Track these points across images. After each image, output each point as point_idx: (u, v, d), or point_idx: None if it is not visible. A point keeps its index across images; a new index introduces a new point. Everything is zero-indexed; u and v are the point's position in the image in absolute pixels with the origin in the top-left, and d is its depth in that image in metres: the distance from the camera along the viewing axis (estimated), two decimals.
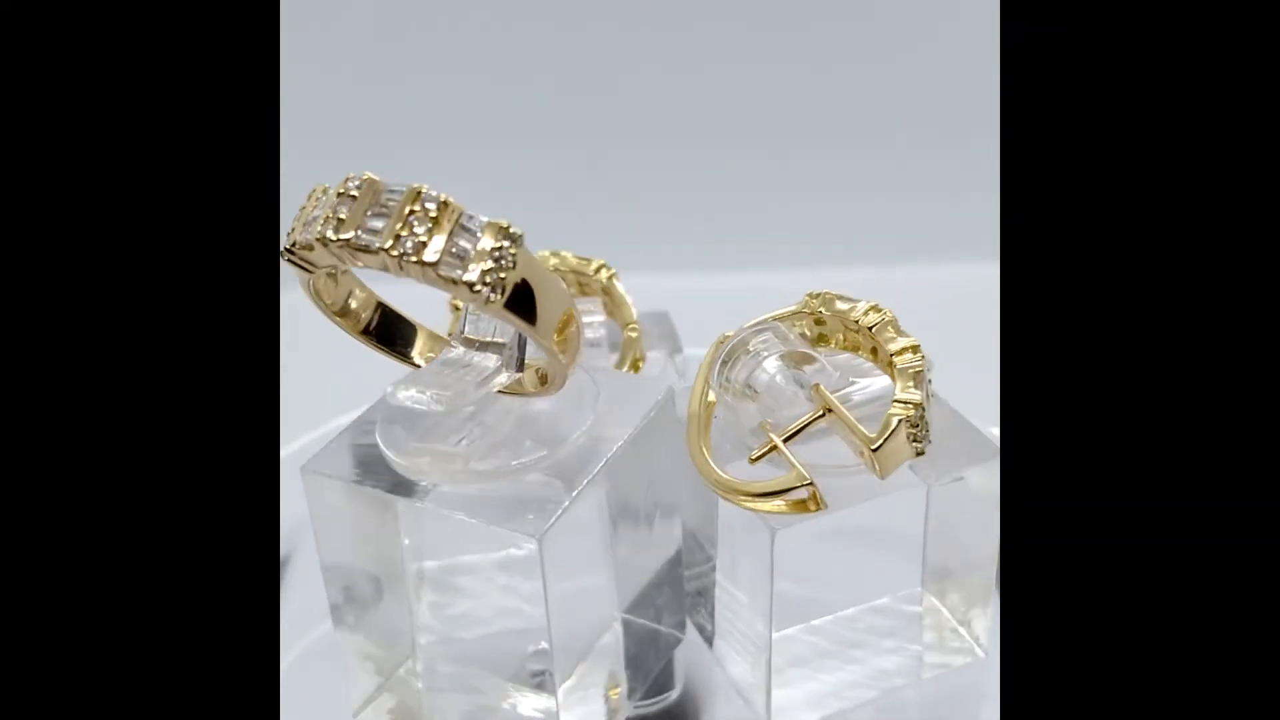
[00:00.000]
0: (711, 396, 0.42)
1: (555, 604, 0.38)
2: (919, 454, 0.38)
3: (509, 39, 0.81)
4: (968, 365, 0.57)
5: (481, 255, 0.33)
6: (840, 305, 0.42)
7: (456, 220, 0.34)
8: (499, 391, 0.40)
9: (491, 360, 0.39)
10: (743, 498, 0.39)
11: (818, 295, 0.43)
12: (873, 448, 0.37)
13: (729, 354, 0.41)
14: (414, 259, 0.33)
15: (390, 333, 0.42)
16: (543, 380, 0.40)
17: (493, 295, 0.33)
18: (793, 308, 0.43)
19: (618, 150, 0.83)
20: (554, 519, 0.37)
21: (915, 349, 0.40)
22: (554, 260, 0.51)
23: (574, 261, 0.51)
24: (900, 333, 0.41)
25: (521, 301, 0.34)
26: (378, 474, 0.39)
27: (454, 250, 0.33)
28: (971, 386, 0.56)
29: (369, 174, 0.34)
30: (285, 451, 0.55)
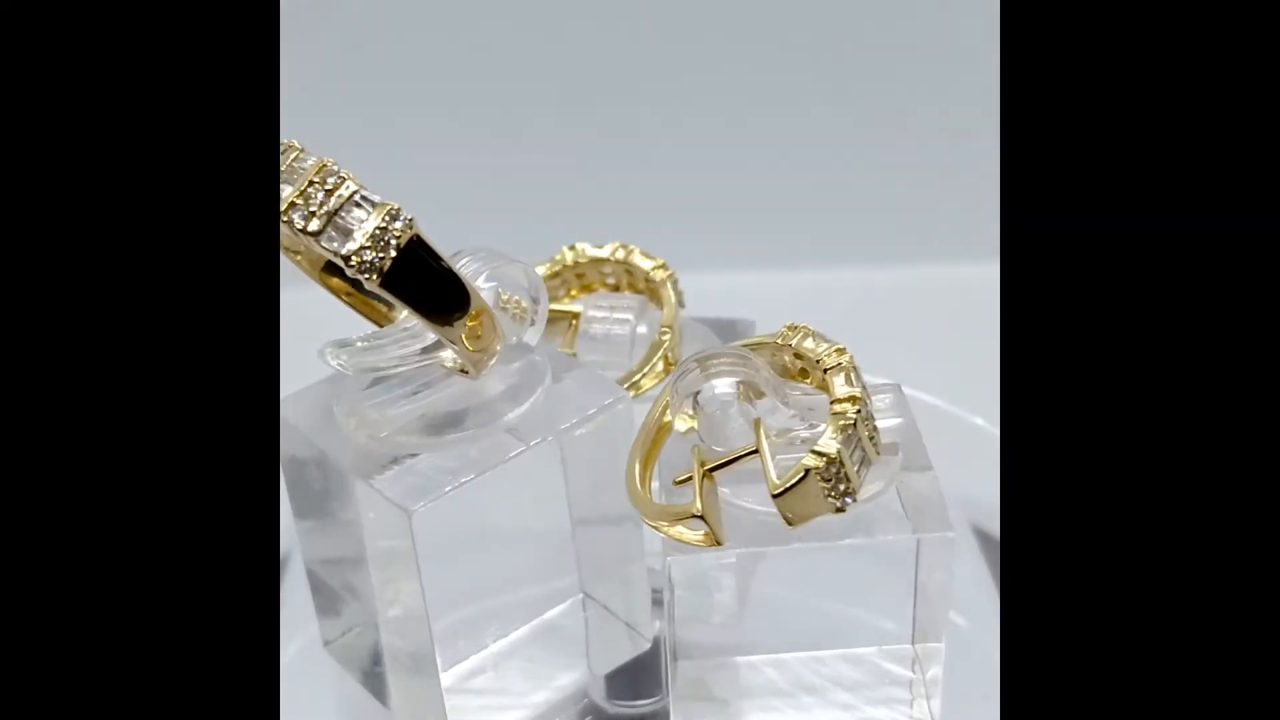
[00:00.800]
0: (670, 416, 0.40)
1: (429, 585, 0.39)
2: (837, 510, 0.36)
3: (514, 35, 0.81)
4: (968, 365, 0.58)
5: (366, 233, 0.36)
6: (808, 344, 0.40)
7: (350, 196, 0.36)
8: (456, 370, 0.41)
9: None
10: (652, 521, 0.38)
11: (795, 329, 0.41)
12: (774, 493, 0.36)
13: (686, 367, 0.40)
14: (300, 226, 0.35)
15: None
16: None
17: (367, 273, 0.36)
18: (769, 337, 0.41)
19: (618, 150, 0.83)
20: (432, 500, 0.38)
21: (855, 400, 0.38)
22: (569, 254, 0.51)
23: (593, 255, 0.51)
24: (852, 382, 0.39)
25: (401, 284, 0.37)
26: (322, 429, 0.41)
27: (340, 224, 0.36)
28: (971, 386, 0.56)
29: (293, 142, 0.37)
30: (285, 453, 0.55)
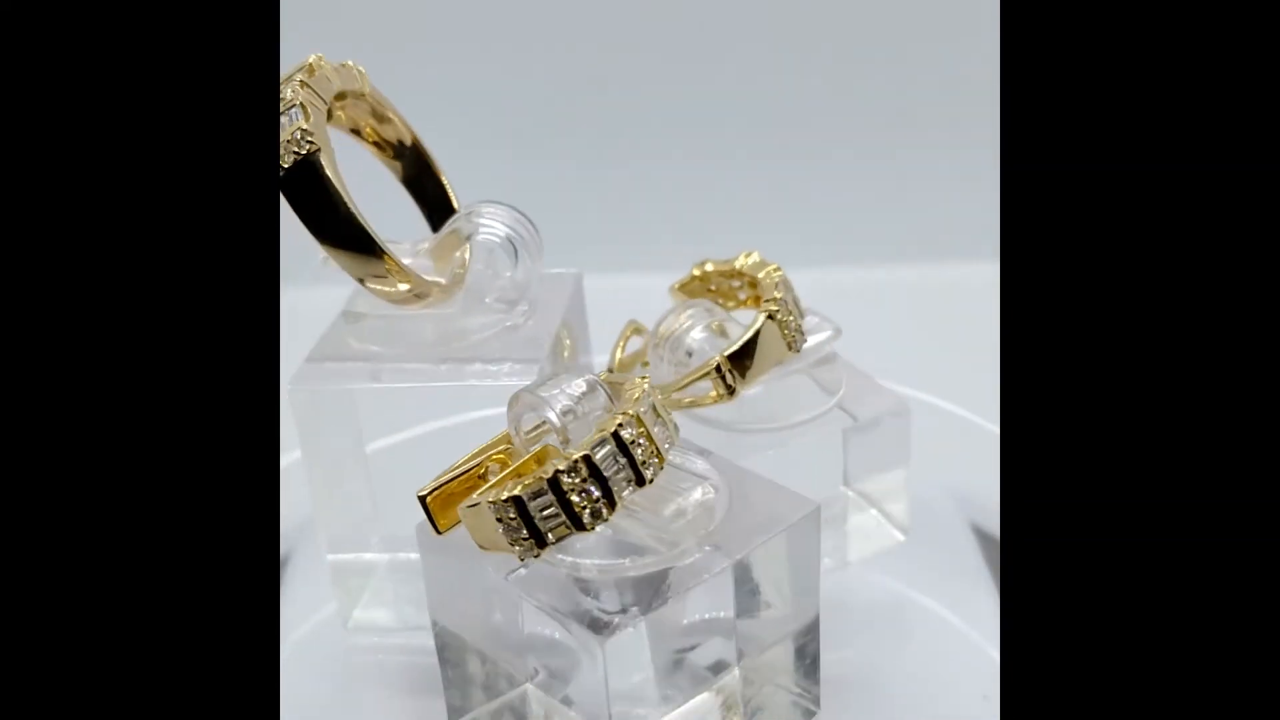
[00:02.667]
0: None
1: None
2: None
3: (510, 35, 0.81)
4: (968, 365, 0.58)
5: (285, 133, 0.42)
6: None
7: (299, 102, 0.42)
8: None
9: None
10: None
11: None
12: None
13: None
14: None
15: (420, 180, 0.51)
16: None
17: (284, 159, 0.41)
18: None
19: (618, 151, 0.83)
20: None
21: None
22: (704, 268, 0.51)
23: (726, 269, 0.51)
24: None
25: (291, 193, 0.42)
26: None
27: (289, 134, 0.42)
28: (971, 386, 0.56)
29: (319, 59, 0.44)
30: (285, 452, 0.55)
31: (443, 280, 0.45)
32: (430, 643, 0.42)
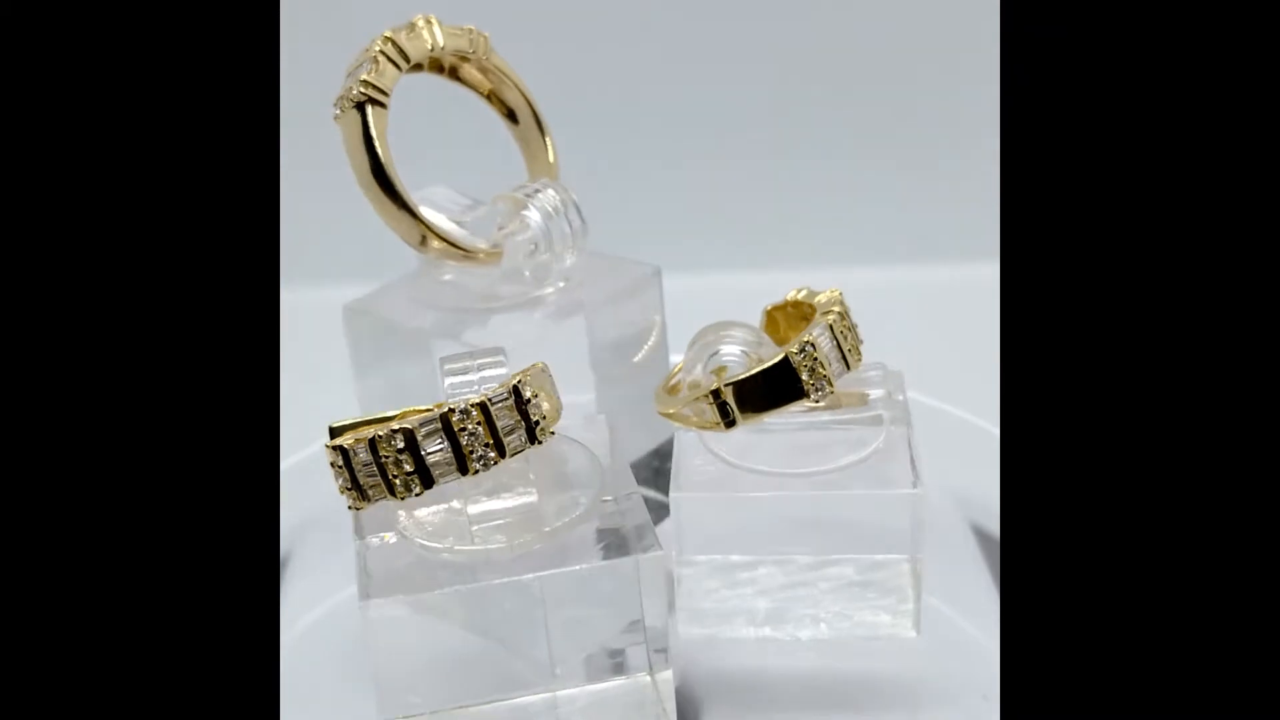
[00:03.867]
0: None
1: None
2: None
3: (507, 33, 0.81)
4: (968, 365, 0.58)
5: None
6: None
7: (375, 54, 0.47)
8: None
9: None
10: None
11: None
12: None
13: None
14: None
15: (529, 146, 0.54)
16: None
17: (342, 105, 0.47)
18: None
19: (619, 151, 0.83)
20: None
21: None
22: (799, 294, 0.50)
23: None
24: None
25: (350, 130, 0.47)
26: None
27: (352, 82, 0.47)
28: (971, 386, 0.56)
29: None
30: (285, 452, 0.55)
31: (485, 245, 0.48)
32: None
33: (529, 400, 0.38)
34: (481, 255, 0.48)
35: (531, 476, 0.39)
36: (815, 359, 0.41)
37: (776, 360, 0.41)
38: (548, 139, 0.54)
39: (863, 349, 0.45)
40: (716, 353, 0.44)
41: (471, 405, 0.37)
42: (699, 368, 0.44)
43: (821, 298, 0.45)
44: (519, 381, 0.38)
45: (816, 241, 0.82)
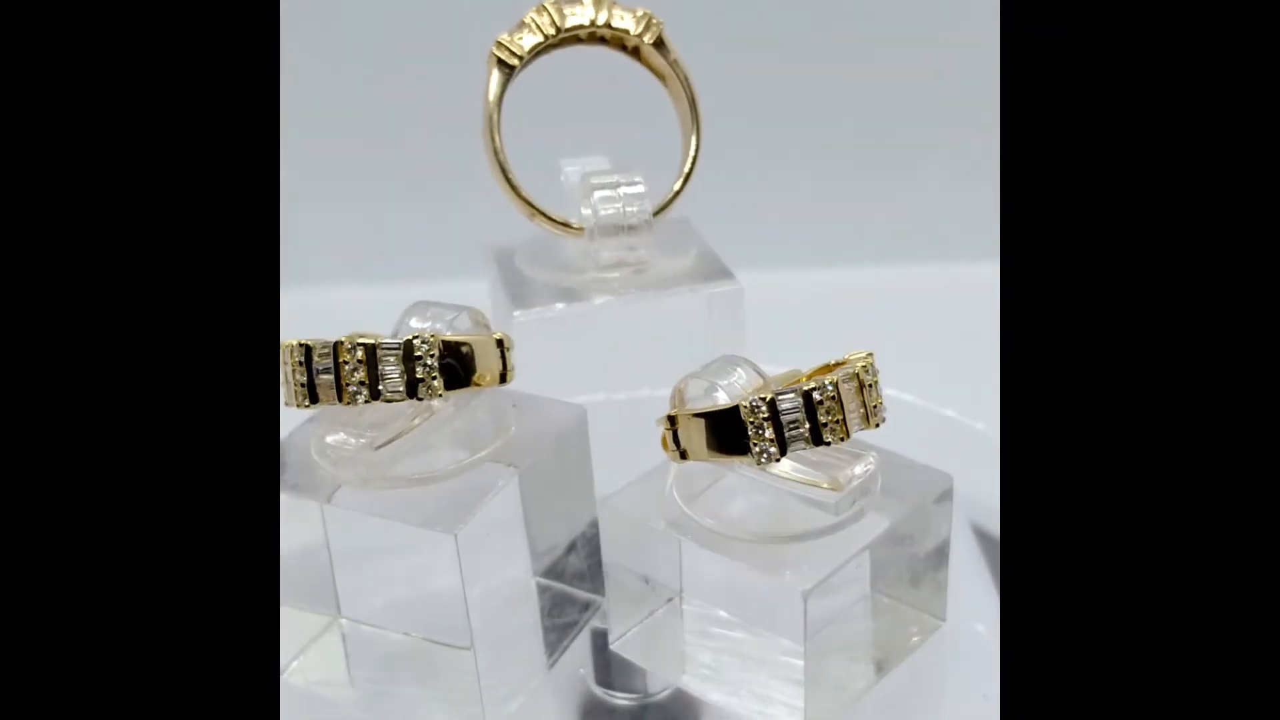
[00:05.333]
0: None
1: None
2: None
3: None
4: (968, 365, 0.58)
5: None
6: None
7: (526, 21, 0.50)
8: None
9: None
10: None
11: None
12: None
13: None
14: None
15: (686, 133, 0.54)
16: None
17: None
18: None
19: (618, 148, 0.83)
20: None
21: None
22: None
23: None
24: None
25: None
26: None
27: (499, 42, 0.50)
28: (971, 386, 0.56)
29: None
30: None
31: (573, 222, 0.51)
32: (429, 646, 0.43)
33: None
34: (571, 228, 0.50)
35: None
36: (771, 421, 0.38)
37: (725, 407, 0.38)
38: (695, 135, 0.54)
39: (865, 426, 0.41)
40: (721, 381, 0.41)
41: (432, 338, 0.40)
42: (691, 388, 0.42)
43: (852, 356, 0.41)
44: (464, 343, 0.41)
45: (816, 241, 0.82)
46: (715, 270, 0.51)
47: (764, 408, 0.38)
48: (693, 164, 0.53)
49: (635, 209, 0.50)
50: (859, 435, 0.40)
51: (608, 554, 0.44)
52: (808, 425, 0.38)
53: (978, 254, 0.76)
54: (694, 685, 0.43)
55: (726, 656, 0.43)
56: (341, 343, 0.40)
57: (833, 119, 0.82)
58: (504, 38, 0.50)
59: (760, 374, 0.41)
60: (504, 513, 0.42)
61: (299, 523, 0.42)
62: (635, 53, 0.53)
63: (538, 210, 0.50)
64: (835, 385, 0.38)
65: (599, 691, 0.46)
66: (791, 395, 0.38)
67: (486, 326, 0.43)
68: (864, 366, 0.39)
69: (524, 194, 0.50)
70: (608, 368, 0.50)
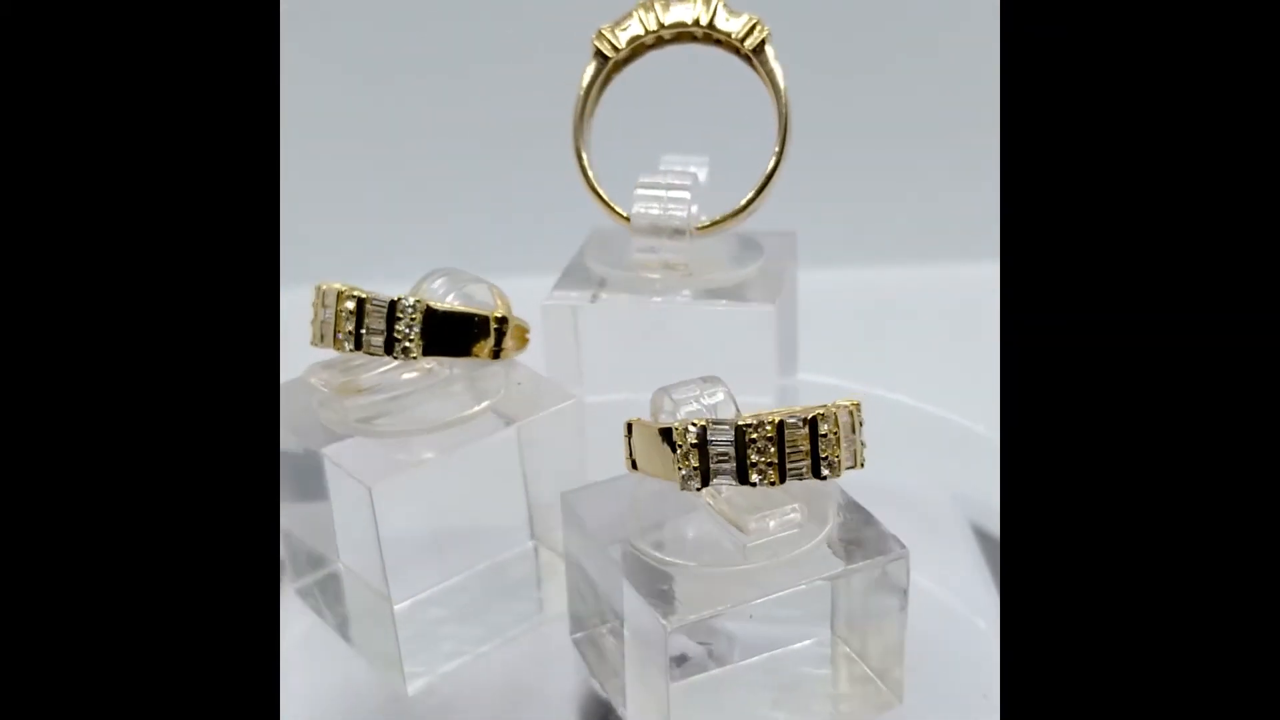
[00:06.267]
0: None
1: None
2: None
3: (504, 33, 0.81)
4: (967, 365, 0.58)
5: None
6: (622, 30, 0.49)
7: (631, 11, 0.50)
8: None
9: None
10: None
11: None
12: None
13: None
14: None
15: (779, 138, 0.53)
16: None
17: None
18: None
19: (618, 148, 0.83)
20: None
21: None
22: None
23: None
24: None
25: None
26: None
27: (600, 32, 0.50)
28: (971, 386, 0.56)
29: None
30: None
31: (621, 210, 0.51)
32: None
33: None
34: (618, 214, 0.50)
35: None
36: (698, 449, 0.37)
37: (663, 425, 0.38)
38: (773, 160, 0.53)
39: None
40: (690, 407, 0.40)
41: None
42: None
43: (837, 402, 0.39)
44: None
45: (815, 241, 0.82)
46: (760, 291, 0.50)
47: (694, 433, 0.37)
48: (759, 189, 0.52)
49: (679, 214, 0.50)
50: (847, 480, 0.38)
51: (567, 548, 0.44)
52: (734, 461, 0.37)
53: (978, 254, 0.76)
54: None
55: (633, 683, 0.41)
56: (342, 292, 0.42)
57: (832, 119, 0.82)
58: (605, 29, 0.50)
59: (734, 401, 0.40)
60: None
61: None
62: (746, 58, 0.52)
63: (597, 193, 0.51)
64: (774, 425, 0.37)
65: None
66: (725, 427, 0.37)
67: (504, 302, 0.45)
68: (822, 414, 0.37)
69: (590, 174, 0.51)
70: (622, 366, 0.50)
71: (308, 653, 0.48)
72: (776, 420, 0.37)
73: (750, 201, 0.51)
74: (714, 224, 0.50)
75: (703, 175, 0.52)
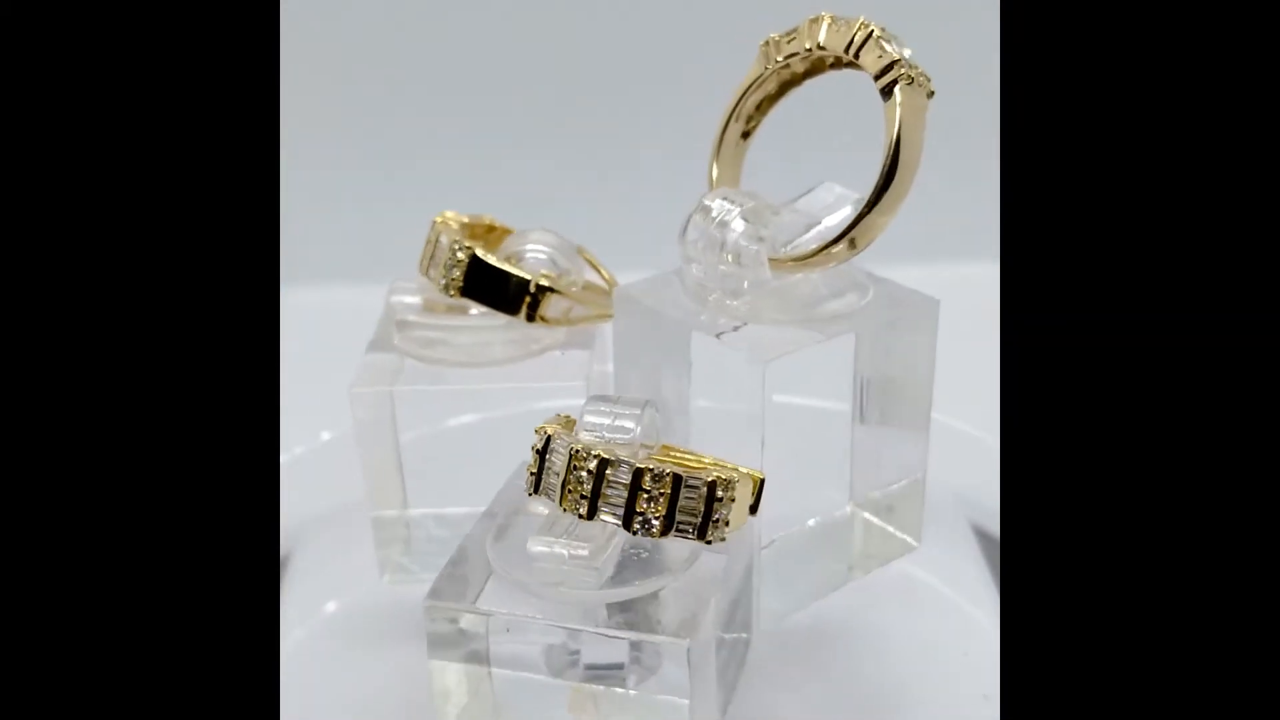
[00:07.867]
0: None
1: None
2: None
3: (504, 33, 0.81)
4: (967, 365, 0.58)
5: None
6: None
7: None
8: None
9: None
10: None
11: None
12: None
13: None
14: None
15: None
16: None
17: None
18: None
19: (618, 149, 0.83)
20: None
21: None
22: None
23: None
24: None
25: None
26: None
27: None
28: (971, 386, 0.56)
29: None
30: (285, 452, 0.55)
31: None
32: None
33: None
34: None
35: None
36: (538, 456, 0.37)
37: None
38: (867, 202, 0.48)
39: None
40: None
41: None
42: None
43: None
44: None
45: None
46: (787, 341, 0.44)
47: (540, 441, 0.37)
48: (841, 234, 0.45)
49: (732, 240, 0.45)
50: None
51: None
52: (533, 478, 0.37)
53: (978, 254, 0.76)
54: None
55: None
56: (437, 227, 0.48)
57: (832, 118, 0.82)
58: (775, 35, 0.48)
59: (654, 427, 0.39)
60: None
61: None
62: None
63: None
64: (670, 480, 0.36)
65: None
66: (563, 447, 0.36)
67: (598, 272, 0.50)
68: (722, 479, 0.36)
69: (713, 175, 0.51)
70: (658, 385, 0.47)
71: (308, 654, 0.48)
72: (671, 475, 0.35)
73: (815, 252, 0.45)
74: (781, 262, 0.45)
75: (740, 229, 0.46)
